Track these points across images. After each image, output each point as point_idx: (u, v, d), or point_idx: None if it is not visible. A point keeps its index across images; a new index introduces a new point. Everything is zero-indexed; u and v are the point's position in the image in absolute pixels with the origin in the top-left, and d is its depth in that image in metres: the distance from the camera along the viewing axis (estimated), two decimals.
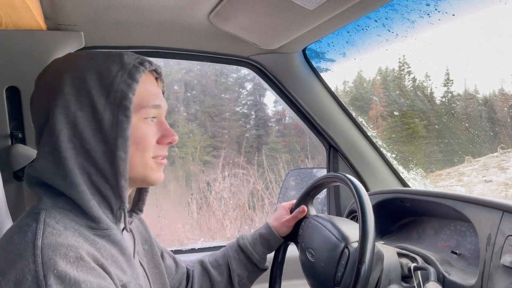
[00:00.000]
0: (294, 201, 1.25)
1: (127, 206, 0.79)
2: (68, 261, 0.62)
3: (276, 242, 1.19)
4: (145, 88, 0.79)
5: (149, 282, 0.87)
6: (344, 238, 1.03)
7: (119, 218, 0.78)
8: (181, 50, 1.41)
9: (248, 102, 4.57)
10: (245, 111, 4.64)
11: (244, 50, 1.43)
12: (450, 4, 1.05)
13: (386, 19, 1.20)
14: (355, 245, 0.99)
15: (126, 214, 0.78)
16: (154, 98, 0.81)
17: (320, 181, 1.18)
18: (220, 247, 1.61)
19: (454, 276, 1.06)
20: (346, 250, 1.00)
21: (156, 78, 0.85)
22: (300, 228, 1.22)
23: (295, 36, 1.25)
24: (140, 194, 0.91)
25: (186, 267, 1.16)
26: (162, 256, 1.07)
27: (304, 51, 1.45)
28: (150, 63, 0.80)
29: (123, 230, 0.81)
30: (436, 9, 1.09)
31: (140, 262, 0.86)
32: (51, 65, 0.79)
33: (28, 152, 1.22)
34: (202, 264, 1.18)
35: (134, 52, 1.37)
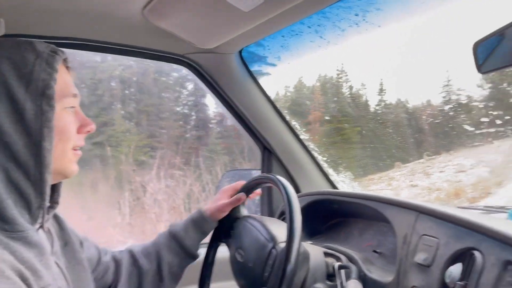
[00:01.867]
0: (234, 184, 1.23)
1: (47, 203, 0.75)
2: None
3: (208, 226, 1.16)
4: (62, 77, 0.78)
5: (68, 283, 0.83)
6: (272, 239, 1.04)
7: (36, 217, 0.73)
8: (113, 44, 1.35)
9: (189, 103, 4.51)
10: (186, 111, 4.57)
11: (179, 48, 1.40)
12: (376, 16, 1.12)
13: (318, 26, 1.25)
14: (283, 245, 1.01)
15: (45, 211, 0.75)
16: (72, 87, 0.81)
17: (251, 182, 1.20)
18: None
19: (374, 274, 1.12)
20: (273, 250, 1.02)
21: (67, 67, 0.83)
22: (231, 228, 1.22)
23: (230, 37, 1.25)
24: (54, 186, 0.86)
25: (113, 256, 1.12)
26: (81, 247, 1.01)
27: (240, 52, 1.46)
28: (62, 51, 0.79)
29: (38, 229, 0.76)
30: (363, 19, 1.15)
31: (57, 263, 0.81)
32: None
33: None
34: (131, 252, 1.14)
35: (61, 43, 1.31)
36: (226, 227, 1.23)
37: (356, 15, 1.14)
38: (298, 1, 1.04)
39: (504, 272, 0.79)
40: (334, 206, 1.43)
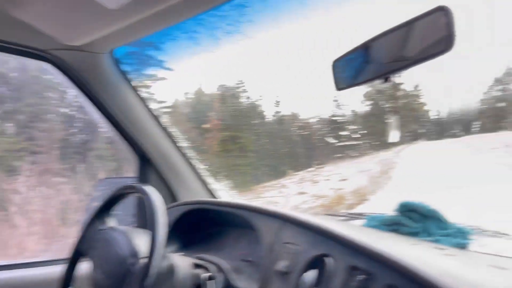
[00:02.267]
0: None
1: None
2: None
3: None
4: None
5: None
6: (133, 253, 0.98)
7: None
8: None
9: (75, 104, 4.18)
10: (72, 113, 4.22)
11: (41, 43, 1.26)
12: (250, 27, 1.13)
13: (194, 32, 1.23)
14: (144, 260, 0.96)
15: None
16: None
17: (116, 192, 1.12)
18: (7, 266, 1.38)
19: (242, 282, 1.12)
20: (134, 266, 0.96)
21: None
22: (93, 241, 1.12)
23: (99, 35, 1.17)
24: None
25: None
26: None
27: (112, 53, 1.37)
28: None
29: None
30: (236, 30, 1.16)
31: None
32: None
33: None
34: None
35: None
36: (88, 239, 1.13)
37: (230, 25, 1.15)
38: (168, 3, 1.01)
39: (349, 277, 0.84)
40: (210, 215, 1.41)
